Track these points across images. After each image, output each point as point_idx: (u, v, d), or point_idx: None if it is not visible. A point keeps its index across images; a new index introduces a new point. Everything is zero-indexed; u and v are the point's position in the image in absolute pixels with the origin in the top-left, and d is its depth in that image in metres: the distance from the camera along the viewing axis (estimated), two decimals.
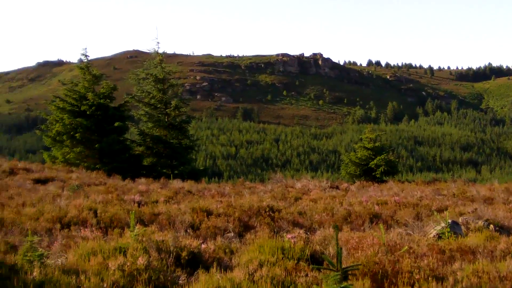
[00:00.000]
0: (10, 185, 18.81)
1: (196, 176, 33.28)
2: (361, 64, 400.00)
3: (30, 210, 12.80)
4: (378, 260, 8.28)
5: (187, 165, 37.17)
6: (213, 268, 8.03)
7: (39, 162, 34.97)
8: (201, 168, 42.60)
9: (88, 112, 32.65)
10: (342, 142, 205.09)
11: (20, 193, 16.25)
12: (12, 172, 23.79)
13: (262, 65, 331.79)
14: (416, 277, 7.75)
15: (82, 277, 6.98)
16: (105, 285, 6.85)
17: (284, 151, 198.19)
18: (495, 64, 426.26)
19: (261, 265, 8.26)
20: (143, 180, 24.63)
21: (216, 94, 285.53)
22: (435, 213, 13.10)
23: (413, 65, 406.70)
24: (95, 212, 12.70)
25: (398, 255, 8.61)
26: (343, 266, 6.70)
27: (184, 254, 8.74)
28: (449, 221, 11.65)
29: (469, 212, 15.07)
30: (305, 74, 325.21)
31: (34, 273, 6.81)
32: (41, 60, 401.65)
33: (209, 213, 13.40)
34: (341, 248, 6.67)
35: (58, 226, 11.46)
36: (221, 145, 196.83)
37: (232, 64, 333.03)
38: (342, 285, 6.46)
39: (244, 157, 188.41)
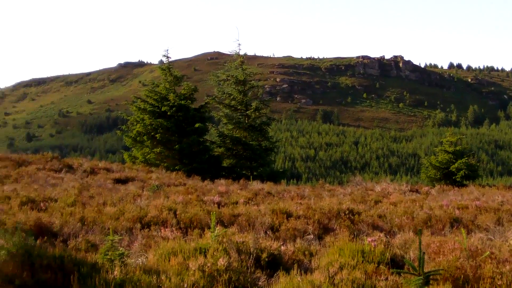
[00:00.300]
0: (91, 184, 19.06)
1: (275, 178, 33.22)
2: (442, 67, 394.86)
3: (111, 209, 12.90)
4: (459, 265, 8.10)
5: (267, 166, 37.09)
6: (293, 270, 7.89)
7: (119, 162, 35.41)
8: (280, 170, 42.44)
9: (168, 113, 32.90)
10: (422, 146, 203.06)
11: (101, 193, 16.41)
12: (93, 171, 24.14)
13: (343, 67, 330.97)
14: (498, 283, 7.55)
15: (163, 277, 6.96)
16: (185, 286, 6.80)
17: (363, 153, 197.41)
18: None
19: (341, 268, 8.13)
20: (222, 181, 24.63)
21: (296, 96, 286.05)
22: None
23: (495, 68, 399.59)
24: (175, 213, 12.72)
25: (480, 261, 8.34)
26: (425, 271, 6.46)
27: (264, 255, 8.66)
28: None
29: None
30: (386, 77, 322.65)
31: (115, 272, 6.80)
32: (122, 61, 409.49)
33: (288, 215, 13.27)
34: (423, 253, 6.44)
35: (138, 225, 11.52)
36: (300, 147, 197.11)
37: (312, 66, 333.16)
38: None
39: (323, 160, 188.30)
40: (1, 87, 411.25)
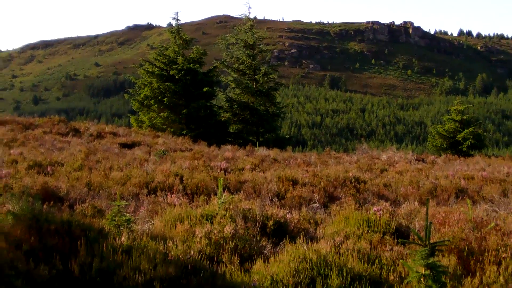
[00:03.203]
0: (98, 148, 19.08)
1: (281, 144, 33.26)
2: (451, 34, 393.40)
3: (117, 174, 12.91)
4: (464, 236, 8.07)
5: (273, 132, 37.10)
6: (299, 238, 7.90)
7: (126, 126, 35.43)
8: (286, 136, 42.57)
9: (177, 77, 32.80)
10: (429, 114, 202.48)
11: (107, 157, 16.42)
12: (99, 135, 24.17)
13: (352, 33, 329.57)
14: (503, 256, 7.50)
15: (170, 244, 6.97)
16: (192, 253, 6.78)
17: (369, 121, 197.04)
18: None
19: (346, 238, 8.16)
20: (229, 146, 24.67)
21: (304, 61, 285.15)
22: None
23: (505, 35, 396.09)
24: (181, 178, 12.73)
25: (485, 232, 8.34)
26: (431, 241, 6.45)
27: (270, 223, 8.67)
28: None
29: None
30: (395, 43, 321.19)
31: (122, 238, 6.81)
32: (130, 24, 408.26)
33: (294, 182, 13.29)
34: (430, 223, 6.41)
35: (144, 191, 11.54)
36: (307, 113, 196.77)
37: (321, 31, 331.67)
38: (429, 261, 6.21)
39: (329, 126, 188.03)
40: (9, 49, 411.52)
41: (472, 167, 21.30)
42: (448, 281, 6.65)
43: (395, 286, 6.60)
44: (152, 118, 32.85)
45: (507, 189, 14.61)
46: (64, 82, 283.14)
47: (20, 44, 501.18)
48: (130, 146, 21.64)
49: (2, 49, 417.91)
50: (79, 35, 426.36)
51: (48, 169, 13.43)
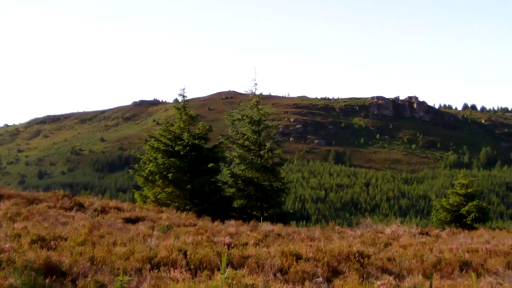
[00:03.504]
0: (102, 223, 19.08)
1: (285, 219, 33.15)
2: (456, 108, 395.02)
3: (121, 249, 12.92)
4: None
5: (277, 207, 37.00)
6: None
7: (130, 201, 35.49)
8: (290, 211, 42.21)
9: (182, 153, 32.91)
10: (433, 187, 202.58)
11: (111, 232, 16.44)
12: (103, 210, 24.16)
13: (357, 108, 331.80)
14: None
15: None
16: None
17: (373, 195, 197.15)
18: None
19: None
20: (232, 222, 24.60)
21: (309, 136, 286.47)
22: None
23: (509, 109, 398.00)
24: (185, 254, 12.73)
25: None
26: None
27: None
28: None
29: None
30: (400, 118, 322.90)
31: None
32: (137, 99, 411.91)
33: (298, 257, 13.28)
34: None
35: (148, 266, 11.54)
36: (311, 188, 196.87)
37: (326, 107, 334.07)
38: None
39: (333, 201, 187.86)
40: (16, 124, 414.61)
41: (477, 240, 21.26)
42: None
43: None
44: (156, 193, 32.83)
45: None
46: (69, 156, 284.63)
47: (27, 119, 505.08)
48: (134, 221, 21.62)
49: (9, 123, 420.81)
50: (85, 110, 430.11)
51: (52, 243, 13.44)
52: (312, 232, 22.32)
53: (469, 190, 37.96)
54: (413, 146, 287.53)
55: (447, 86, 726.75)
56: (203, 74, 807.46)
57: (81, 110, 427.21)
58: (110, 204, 26.13)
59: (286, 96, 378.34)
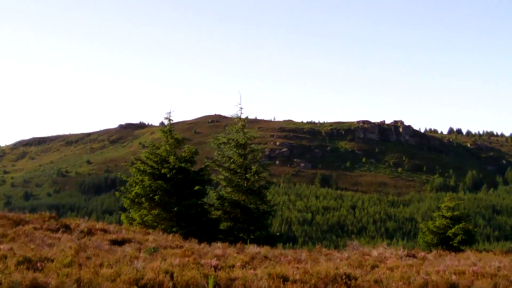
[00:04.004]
0: (88, 245, 19.06)
1: (272, 242, 33.21)
2: (441, 132, 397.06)
3: (107, 271, 12.92)
4: None
5: (264, 230, 37.05)
6: None
7: (116, 223, 35.44)
8: (277, 234, 42.28)
9: (168, 175, 32.93)
10: (419, 210, 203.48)
11: (98, 254, 16.43)
12: (90, 232, 24.10)
13: (343, 132, 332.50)
14: None
15: None
16: None
17: (360, 217, 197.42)
18: None
19: None
20: (219, 244, 24.62)
21: (295, 160, 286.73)
22: None
23: (495, 133, 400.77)
24: (172, 275, 12.74)
25: None
26: None
27: None
28: None
29: None
30: (386, 141, 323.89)
31: None
32: (123, 122, 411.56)
33: (285, 279, 13.33)
34: None
35: None
36: (298, 211, 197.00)
37: (312, 130, 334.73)
38: None
39: (319, 223, 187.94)
40: (1, 146, 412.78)
41: (463, 262, 21.35)
42: None
43: None
44: (143, 216, 32.77)
45: (498, 283, 14.69)
46: (55, 178, 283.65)
47: (13, 140, 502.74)
48: (120, 243, 21.58)
49: None
50: (72, 132, 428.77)
51: (38, 265, 13.43)
52: (299, 254, 22.36)
53: (455, 213, 38.27)
54: (399, 169, 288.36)
55: (433, 111, 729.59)
56: (189, 98, 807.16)
57: (67, 133, 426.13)
58: (97, 226, 26.09)
59: (272, 120, 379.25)
